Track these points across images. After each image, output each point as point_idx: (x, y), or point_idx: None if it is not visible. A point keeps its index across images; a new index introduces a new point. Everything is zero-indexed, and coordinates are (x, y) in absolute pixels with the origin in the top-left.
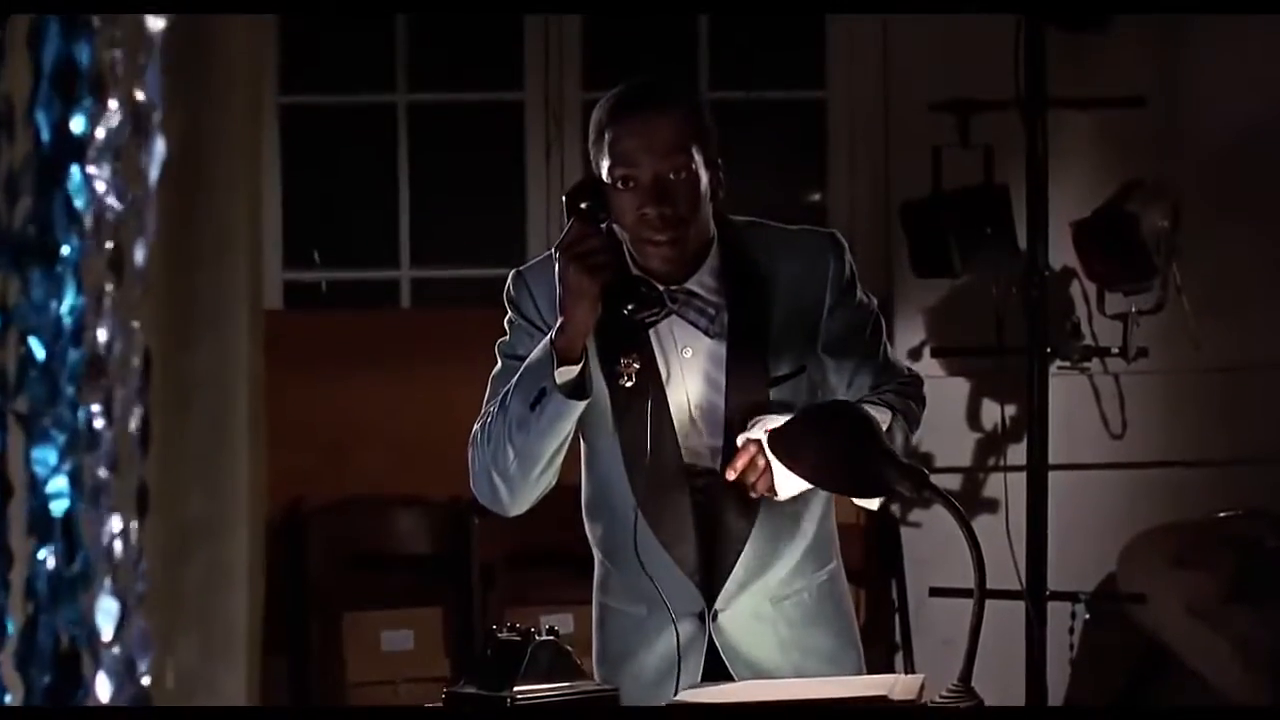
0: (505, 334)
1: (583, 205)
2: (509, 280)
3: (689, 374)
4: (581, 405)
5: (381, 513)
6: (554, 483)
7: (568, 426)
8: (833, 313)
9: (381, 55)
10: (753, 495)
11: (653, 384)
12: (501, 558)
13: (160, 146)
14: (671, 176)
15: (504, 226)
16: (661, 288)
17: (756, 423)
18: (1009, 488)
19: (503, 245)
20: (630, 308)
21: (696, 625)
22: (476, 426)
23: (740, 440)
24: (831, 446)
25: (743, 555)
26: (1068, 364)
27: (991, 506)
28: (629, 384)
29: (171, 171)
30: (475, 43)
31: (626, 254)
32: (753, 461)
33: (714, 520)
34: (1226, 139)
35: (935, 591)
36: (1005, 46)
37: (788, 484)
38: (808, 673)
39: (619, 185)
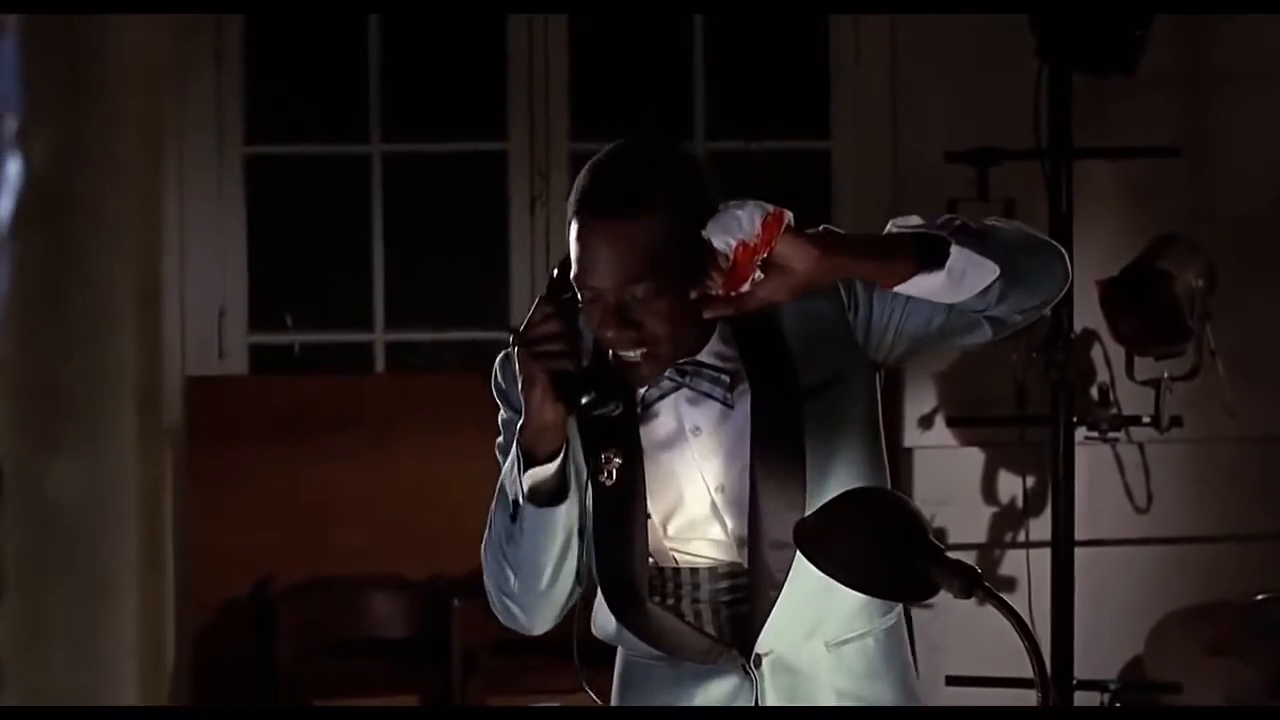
0: (499, 432)
1: (554, 273)
2: (495, 367)
3: (704, 457)
4: (560, 510)
5: (356, 594)
6: (580, 590)
7: (557, 534)
8: (858, 304)
9: (354, 102)
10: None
11: (633, 484)
12: (484, 642)
13: (15, 169)
14: (638, 298)
15: (485, 286)
16: (634, 389)
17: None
18: (1030, 566)
19: (484, 306)
20: (585, 401)
21: (740, 676)
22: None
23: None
24: (868, 541)
25: (784, 593)
26: (1095, 434)
27: (1010, 586)
28: (609, 482)
29: (30, 219)
30: (455, 89)
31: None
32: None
33: (723, 614)
34: (1261, 195)
35: (952, 680)
36: (1024, 94)
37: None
38: None
39: (582, 296)
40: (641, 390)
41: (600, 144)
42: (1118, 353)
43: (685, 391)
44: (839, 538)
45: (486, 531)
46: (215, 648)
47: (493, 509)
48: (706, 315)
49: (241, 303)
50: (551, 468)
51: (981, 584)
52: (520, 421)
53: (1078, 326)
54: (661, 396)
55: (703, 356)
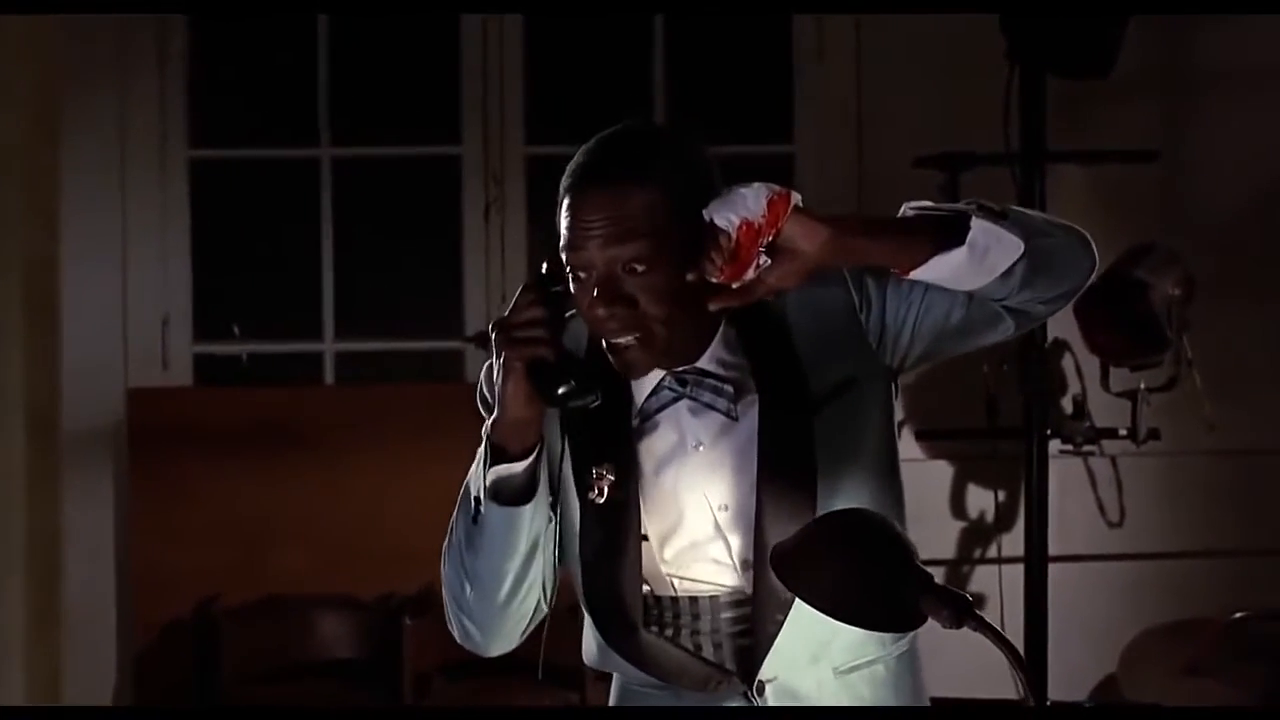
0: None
1: (544, 268)
2: (481, 376)
3: (707, 473)
4: (524, 511)
5: (304, 614)
6: (543, 610)
7: (519, 540)
8: (870, 302)
9: (302, 104)
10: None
11: (628, 503)
12: (438, 664)
13: None
14: (627, 270)
15: (438, 294)
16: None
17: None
18: (1002, 582)
19: (436, 315)
20: (562, 391)
21: (742, 704)
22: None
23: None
24: (851, 568)
25: (790, 617)
26: (1070, 447)
27: (979, 603)
28: (600, 500)
29: None
30: (407, 91)
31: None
32: (739, 246)
33: (726, 649)
34: (1239, 203)
35: (933, 701)
36: (995, 97)
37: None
38: None
39: (571, 274)
40: (640, 401)
41: (556, 148)
42: (1090, 364)
43: (686, 402)
44: (820, 564)
45: (447, 538)
46: (157, 670)
47: (455, 514)
48: (712, 307)
49: (186, 311)
50: (520, 467)
51: (973, 613)
52: (493, 416)
53: (1049, 336)
54: (662, 408)
55: (704, 364)
